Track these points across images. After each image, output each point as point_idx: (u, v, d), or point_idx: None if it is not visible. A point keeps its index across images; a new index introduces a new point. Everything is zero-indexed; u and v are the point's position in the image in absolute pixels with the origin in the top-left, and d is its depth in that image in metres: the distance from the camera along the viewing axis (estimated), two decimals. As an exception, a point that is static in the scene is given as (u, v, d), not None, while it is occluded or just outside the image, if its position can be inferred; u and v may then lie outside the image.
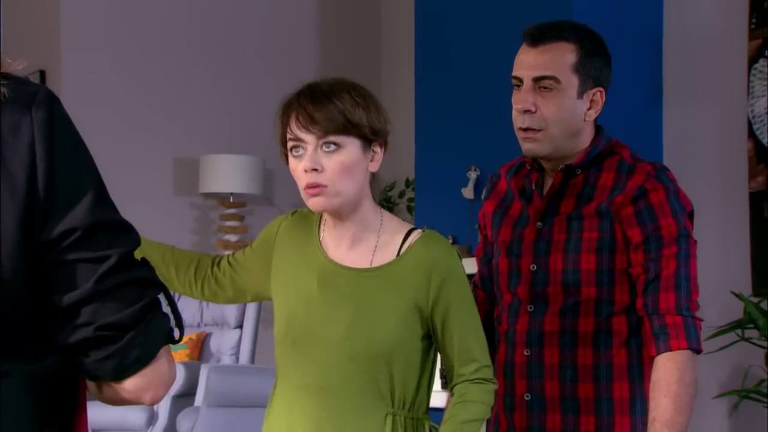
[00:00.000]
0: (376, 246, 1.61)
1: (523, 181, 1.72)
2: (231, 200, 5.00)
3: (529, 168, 1.72)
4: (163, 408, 3.90)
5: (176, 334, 0.99)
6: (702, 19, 3.90)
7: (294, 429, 1.60)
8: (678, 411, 1.57)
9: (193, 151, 5.00)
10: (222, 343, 4.38)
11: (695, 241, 1.65)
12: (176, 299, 4.70)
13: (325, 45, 5.46)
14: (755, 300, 3.43)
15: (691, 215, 1.67)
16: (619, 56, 4.04)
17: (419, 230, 1.66)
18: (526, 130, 1.65)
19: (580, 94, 1.66)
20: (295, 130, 1.64)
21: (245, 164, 4.91)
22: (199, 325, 4.46)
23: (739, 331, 3.32)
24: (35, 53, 4.97)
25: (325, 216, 1.66)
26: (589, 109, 1.67)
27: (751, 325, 3.30)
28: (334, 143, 1.60)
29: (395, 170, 5.33)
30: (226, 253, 5.18)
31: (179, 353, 4.24)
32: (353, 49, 5.51)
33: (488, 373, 1.58)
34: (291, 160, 1.65)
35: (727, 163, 3.78)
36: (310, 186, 1.59)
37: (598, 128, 1.71)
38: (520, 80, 1.67)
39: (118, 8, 4.91)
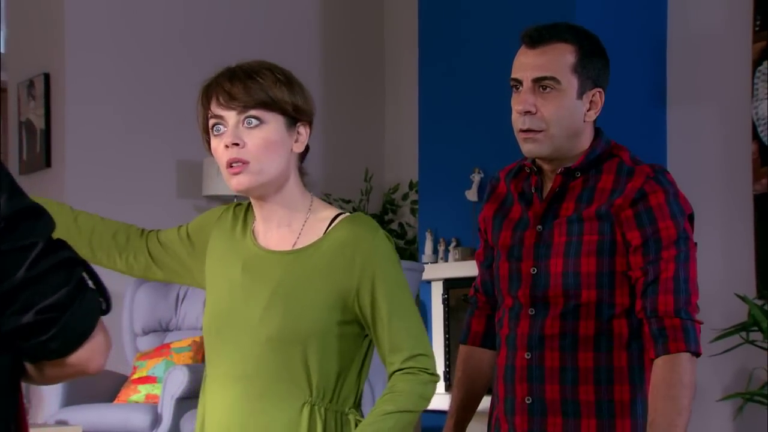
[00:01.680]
0: (302, 228, 1.57)
1: (523, 184, 1.72)
2: (236, 202, 4.99)
3: (528, 171, 1.72)
4: (167, 410, 3.90)
5: (103, 305, 1.06)
6: (706, 20, 3.90)
7: (207, 418, 1.57)
8: (677, 413, 1.56)
9: (197, 154, 5.00)
10: (225, 345, 4.39)
11: (695, 244, 1.65)
12: (181, 299, 4.63)
13: (328, 48, 5.47)
14: (759, 302, 3.42)
15: (691, 218, 1.66)
16: (623, 57, 4.06)
17: (348, 213, 1.61)
18: (526, 131, 1.65)
19: (580, 95, 1.66)
20: (215, 108, 1.60)
21: (249, 167, 4.91)
22: (202, 328, 4.47)
23: (743, 334, 3.32)
24: (40, 56, 4.98)
25: (254, 202, 1.62)
26: (588, 110, 1.67)
27: (756, 328, 3.29)
28: (256, 118, 1.57)
29: (398, 173, 5.34)
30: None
31: (183, 356, 4.24)
32: (356, 52, 5.51)
33: (423, 362, 1.50)
34: (213, 140, 1.60)
35: (731, 166, 3.77)
36: (232, 163, 1.55)
37: (597, 130, 1.71)
38: (520, 82, 1.68)
39: (121, 12, 4.91)
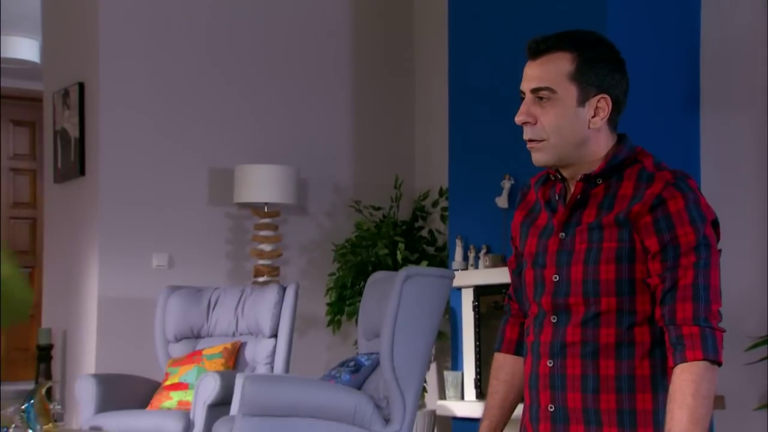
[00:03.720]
0: None
1: (549, 191, 1.72)
2: (265, 210, 5.02)
3: (553, 179, 1.72)
4: (199, 416, 3.92)
5: None
6: (740, 26, 3.86)
7: None
8: (693, 423, 1.54)
9: (228, 162, 5.03)
10: (257, 352, 4.40)
11: (719, 251, 1.62)
12: (212, 306, 4.67)
13: (359, 55, 5.48)
14: (796, 310, 3.37)
15: (714, 224, 1.64)
16: (656, 64, 4.02)
17: None
18: (529, 141, 1.68)
19: (581, 102, 1.64)
20: None
21: (279, 174, 4.94)
22: (234, 335, 4.49)
23: (779, 342, 3.27)
24: (75, 66, 5.04)
25: None
26: (593, 116, 1.65)
27: (792, 336, 3.24)
28: None
29: (428, 180, 5.33)
30: (261, 262, 5.18)
31: (215, 362, 4.26)
32: (387, 59, 5.52)
33: None
34: None
35: (765, 172, 3.73)
36: None
37: (622, 136, 1.69)
38: (523, 93, 1.71)
39: (153, 22, 4.96)
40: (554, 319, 1.66)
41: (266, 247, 5.00)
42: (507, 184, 4.28)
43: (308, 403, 3.60)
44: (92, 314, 4.77)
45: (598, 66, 1.65)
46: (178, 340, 4.50)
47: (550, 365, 1.66)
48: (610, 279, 1.62)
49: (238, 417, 3.57)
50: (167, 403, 4.16)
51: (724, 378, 3.81)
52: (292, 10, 5.29)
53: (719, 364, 1.58)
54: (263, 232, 5.01)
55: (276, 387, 3.62)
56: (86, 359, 4.79)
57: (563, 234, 1.67)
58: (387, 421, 3.62)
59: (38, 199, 6.88)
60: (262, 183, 4.89)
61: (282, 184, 4.93)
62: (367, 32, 5.49)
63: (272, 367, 4.36)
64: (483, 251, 4.37)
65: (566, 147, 1.65)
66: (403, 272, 3.71)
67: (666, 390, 1.62)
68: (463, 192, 4.57)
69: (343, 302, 4.97)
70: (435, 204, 5.17)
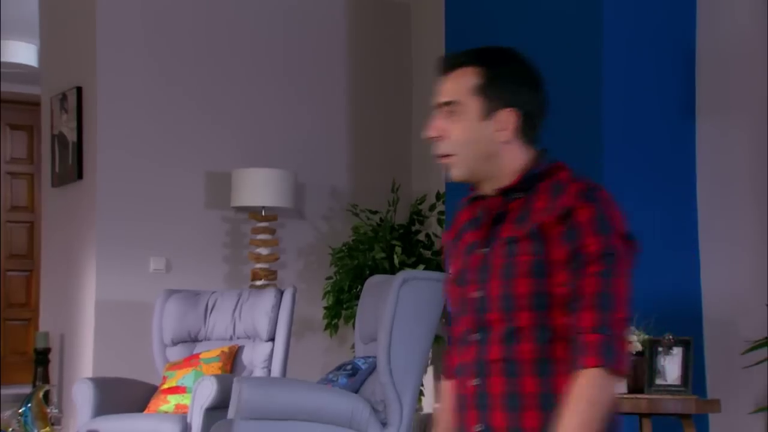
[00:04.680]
0: None
1: (477, 209, 1.71)
2: (262, 213, 5.03)
3: (477, 196, 1.71)
4: (196, 420, 3.92)
5: None
6: (735, 31, 3.88)
7: None
8: (581, 428, 1.53)
9: (225, 165, 5.04)
10: (254, 356, 4.40)
11: (630, 261, 1.61)
12: (210, 310, 4.67)
13: (356, 59, 5.49)
14: (791, 314, 3.38)
15: (626, 236, 1.62)
16: (651, 69, 4.03)
17: None
18: (441, 156, 1.68)
19: (487, 116, 1.65)
20: None
21: (276, 178, 4.94)
22: (231, 338, 4.49)
23: (774, 346, 3.28)
24: (73, 70, 5.05)
25: None
26: (500, 130, 1.65)
27: (787, 340, 3.25)
28: None
29: (425, 184, 5.34)
30: (258, 266, 5.18)
31: (212, 366, 4.27)
32: (383, 63, 5.53)
33: None
34: None
35: (761, 177, 3.74)
36: None
37: (542, 151, 1.70)
38: (435, 108, 1.74)
39: (151, 27, 4.97)
40: (477, 336, 1.65)
41: (264, 251, 5.00)
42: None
43: (305, 406, 3.60)
44: (90, 318, 4.77)
45: (505, 81, 1.66)
46: (175, 343, 4.50)
47: (476, 384, 1.65)
48: (525, 293, 1.60)
49: (235, 420, 3.57)
50: (164, 407, 4.17)
51: (720, 381, 3.82)
52: (288, 16, 5.30)
53: (620, 373, 1.57)
54: (261, 236, 5.02)
55: (273, 390, 3.62)
56: (84, 363, 4.79)
57: (485, 249, 1.66)
58: (384, 424, 3.63)
59: (36, 203, 6.89)
60: (259, 187, 4.90)
61: (279, 188, 4.93)
62: (364, 36, 5.50)
63: (269, 371, 4.36)
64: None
65: (475, 161, 1.65)
66: (400, 276, 3.72)
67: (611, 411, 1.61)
68: (460, 196, 4.57)
69: (340, 306, 4.98)
70: (432, 208, 5.18)
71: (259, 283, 4.92)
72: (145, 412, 4.19)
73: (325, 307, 5.04)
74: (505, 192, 1.67)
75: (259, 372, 4.34)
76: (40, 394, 3.50)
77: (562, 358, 1.61)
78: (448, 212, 4.67)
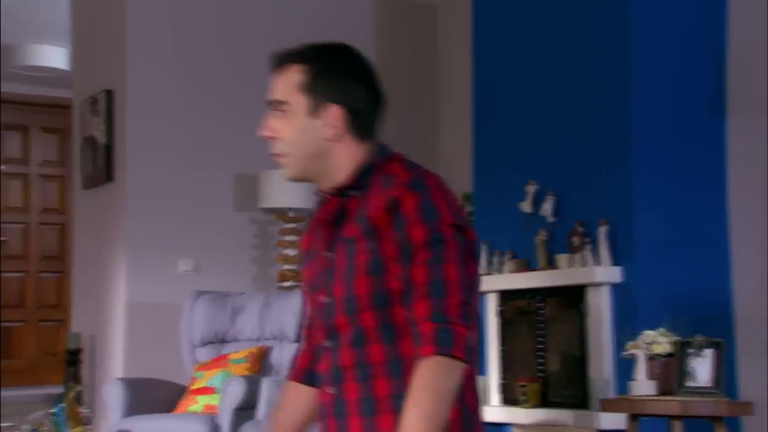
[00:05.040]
0: None
1: (324, 211, 1.67)
2: (290, 215, 5.05)
3: (323, 197, 1.67)
4: (225, 420, 3.94)
5: None
6: (765, 30, 3.83)
7: None
8: (424, 419, 1.47)
9: (253, 168, 5.07)
10: (282, 356, 4.42)
11: (461, 247, 1.52)
12: (238, 311, 4.67)
13: (382, 60, 5.50)
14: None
15: (456, 224, 1.54)
16: (681, 68, 4.00)
17: None
18: (275, 156, 1.65)
19: (312, 114, 1.61)
20: None
21: (304, 180, 4.96)
22: (259, 339, 4.51)
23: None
24: (103, 74, 5.10)
25: None
26: (327, 127, 1.61)
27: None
28: None
29: (451, 184, 5.33)
30: (286, 267, 5.19)
31: (240, 367, 4.29)
32: (410, 66, 5.53)
33: None
34: None
35: (793, 176, 3.69)
36: None
37: (379, 145, 1.65)
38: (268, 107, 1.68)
39: (181, 30, 5.01)
40: (330, 344, 1.61)
41: (291, 252, 5.02)
42: (531, 189, 4.28)
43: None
44: (120, 319, 4.81)
45: (329, 77, 1.62)
46: (204, 344, 4.53)
47: (333, 392, 1.60)
48: (366, 293, 1.55)
49: (264, 421, 3.59)
50: (194, 407, 4.19)
51: (752, 383, 3.77)
52: (314, 18, 5.32)
53: (461, 359, 1.49)
54: (288, 237, 5.04)
55: (301, 391, 3.63)
56: (114, 363, 4.83)
57: (330, 253, 1.61)
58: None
59: (67, 205, 6.96)
60: (286, 188, 4.92)
61: (306, 190, 4.95)
62: (390, 38, 5.50)
63: (297, 372, 4.37)
64: (507, 256, 4.37)
65: (305, 160, 1.62)
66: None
67: (462, 404, 1.56)
68: (487, 197, 4.57)
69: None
70: (459, 209, 5.17)
71: (286, 284, 4.94)
72: (174, 412, 4.22)
73: (353, 309, 5.04)
74: (341, 191, 1.62)
75: (286, 373, 4.36)
76: (72, 395, 3.54)
77: (410, 357, 1.55)
78: (476, 213, 4.66)
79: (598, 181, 4.01)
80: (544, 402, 4.07)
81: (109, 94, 4.97)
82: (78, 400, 3.94)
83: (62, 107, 6.56)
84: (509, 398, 4.28)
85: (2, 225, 7.03)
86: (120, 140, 4.92)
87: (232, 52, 5.12)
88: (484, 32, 4.68)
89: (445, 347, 1.49)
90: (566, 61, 4.19)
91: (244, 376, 4.05)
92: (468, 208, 5.09)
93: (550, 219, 4.18)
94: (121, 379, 4.31)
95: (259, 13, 5.21)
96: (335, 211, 1.61)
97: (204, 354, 4.50)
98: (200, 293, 4.58)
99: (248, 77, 5.15)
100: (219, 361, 4.38)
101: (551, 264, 4.14)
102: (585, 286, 3.94)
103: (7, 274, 6.96)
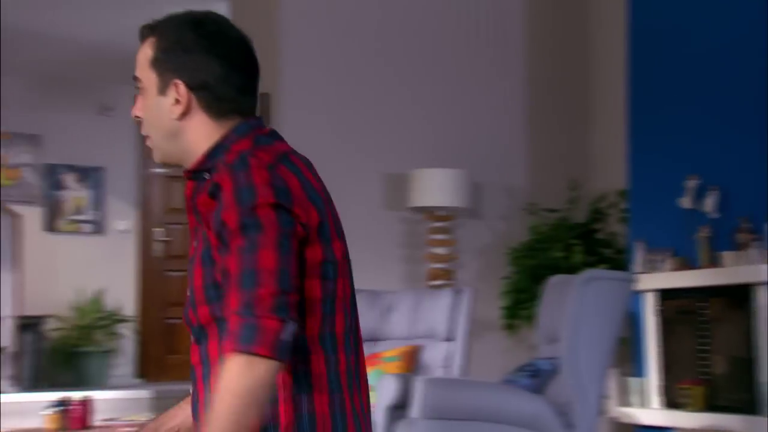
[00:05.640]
0: None
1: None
2: (439, 214, 5.05)
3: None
4: (379, 418, 3.98)
5: None
6: None
7: None
8: (217, 419, 1.34)
9: (403, 166, 5.10)
10: (434, 355, 4.42)
11: (280, 229, 1.37)
12: (389, 309, 4.67)
13: (532, 57, 5.41)
14: None
15: (279, 206, 1.38)
16: None
17: None
18: (145, 139, 1.53)
19: (162, 91, 1.47)
20: None
21: (453, 178, 4.95)
22: (409, 338, 4.53)
23: None
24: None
25: None
26: (174, 105, 1.46)
27: None
28: None
29: (605, 181, 5.19)
30: (436, 266, 5.19)
31: (393, 365, 4.32)
32: (560, 57, 5.42)
33: None
34: None
35: None
36: None
37: (241, 123, 1.48)
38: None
39: (330, 32, 5.10)
40: (192, 339, 1.50)
41: (440, 251, 5.02)
42: (691, 185, 4.11)
43: (487, 407, 3.58)
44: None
45: (174, 51, 1.47)
46: (356, 342, 4.59)
47: (192, 392, 1.50)
48: (201, 285, 1.43)
49: (418, 420, 3.60)
50: (348, 404, 4.25)
51: None
52: (464, 13, 5.29)
53: (263, 354, 1.33)
54: (437, 236, 5.04)
55: (455, 390, 3.62)
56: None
57: (195, 241, 1.49)
58: (568, 427, 3.55)
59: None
60: (436, 187, 4.92)
61: (456, 188, 4.94)
62: (540, 31, 5.41)
63: (449, 371, 4.37)
64: (667, 254, 4.21)
65: (162, 142, 1.48)
66: (582, 275, 3.63)
67: (297, 409, 1.41)
68: (644, 193, 4.42)
69: (519, 306, 4.92)
70: (613, 206, 5.03)
71: (436, 283, 4.94)
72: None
73: (503, 307, 5.00)
74: (193, 175, 1.47)
75: (438, 372, 4.36)
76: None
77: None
78: (633, 210, 4.52)
79: (765, 175, 3.81)
80: (709, 406, 3.90)
81: (265, 97, 5.11)
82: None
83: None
84: (671, 401, 4.12)
85: (167, 226, 7.38)
86: (274, 142, 5.06)
87: (381, 52, 5.16)
88: (641, 18, 4.52)
89: (245, 344, 1.33)
90: (731, 46, 4.00)
91: (397, 375, 4.07)
92: (622, 205, 4.95)
93: (713, 215, 4.00)
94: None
95: (407, 11, 5.23)
96: (190, 196, 1.49)
97: (356, 352, 4.56)
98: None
99: (396, 77, 5.18)
100: (371, 359, 4.42)
101: (714, 262, 3.96)
102: (752, 285, 3.75)
103: (172, 273, 7.29)
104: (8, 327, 5.84)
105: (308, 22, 5.05)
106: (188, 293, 1.48)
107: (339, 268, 1.44)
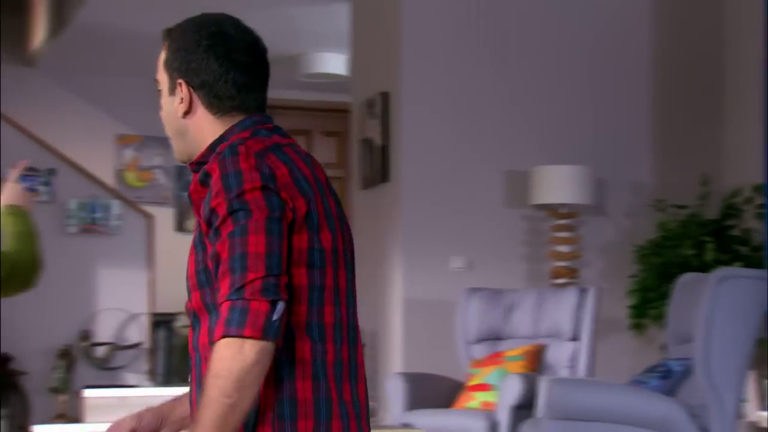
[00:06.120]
0: None
1: None
2: (562, 211, 4.96)
3: None
4: (504, 418, 3.94)
5: None
6: None
7: None
8: (204, 406, 1.37)
9: (524, 164, 5.04)
10: (558, 355, 4.35)
11: (268, 212, 1.40)
12: (512, 308, 4.63)
13: (659, 47, 5.26)
14: None
15: (267, 189, 1.41)
16: None
17: None
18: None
19: (171, 91, 1.55)
20: None
21: (575, 174, 4.86)
22: (533, 337, 4.47)
23: None
24: (379, 77, 5.29)
25: None
26: (179, 104, 1.54)
27: None
28: None
29: (739, 175, 4.98)
30: (559, 264, 5.13)
31: (516, 364, 4.27)
32: (690, 50, 5.24)
33: None
34: None
35: None
36: None
37: (241, 120, 1.53)
38: None
39: (451, 31, 5.08)
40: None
41: (564, 249, 4.93)
42: (834, 178, 3.89)
43: (615, 408, 3.49)
44: (397, 315, 4.97)
45: (178, 52, 1.54)
46: (478, 341, 4.57)
47: (189, 380, 1.52)
48: (193, 272, 1.47)
49: (543, 420, 3.55)
50: (471, 404, 4.23)
51: None
52: (587, 7, 5.18)
53: (249, 336, 1.35)
54: (561, 234, 4.96)
55: (581, 391, 3.55)
56: (393, 358, 4.99)
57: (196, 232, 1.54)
58: (702, 430, 3.43)
59: (346, 205, 7.31)
60: (558, 184, 4.85)
61: (579, 185, 4.85)
62: (669, 21, 5.25)
63: (575, 371, 4.29)
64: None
65: (175, 140, 1.57)
66: (716, 273, 3.50)
67: (279, 393, 1.41)
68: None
69: (647, 305, 4.78)
70: (748, 201, 4.82)
71: (560, 281, 4.86)
72: (452, 408, 4.28)
73: (630, 306, 4.87)
74: (196, 167, 1.53)
75: (563, 372, 4.28)
76: (359, 386, 3.69)
77: None
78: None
79: None
80: None
81: (385, 96, 5.14)
82: (363, 391, 4.11)
83: (341, 111, 6.90)
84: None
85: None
86: (395, 141, 5.08)
87: (502, 49, 5.11)
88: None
89: (235, 327, 1.36)
90: None
91: (521, 374, 4.03)
92: (758, 200, 4.73)
93: None
94: (402, 374, 4.45)
95: (528, 9, 5.16)
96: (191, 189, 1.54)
97: (479, 351, 4.53)
98: (474, 290, 4.62)
99: (517, 73, 5.12)
100: (494, 358, 4.39)
101: None
102: None
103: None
104: (143, 324, 6.08)
105: (429, 20, 5.05)
106: (186, 281, 1.53)
107: (327, 258, 1.45)
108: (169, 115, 1.57)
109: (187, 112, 1.54)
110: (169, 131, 1.58)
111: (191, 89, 1.53)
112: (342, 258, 1.48)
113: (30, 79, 7.16)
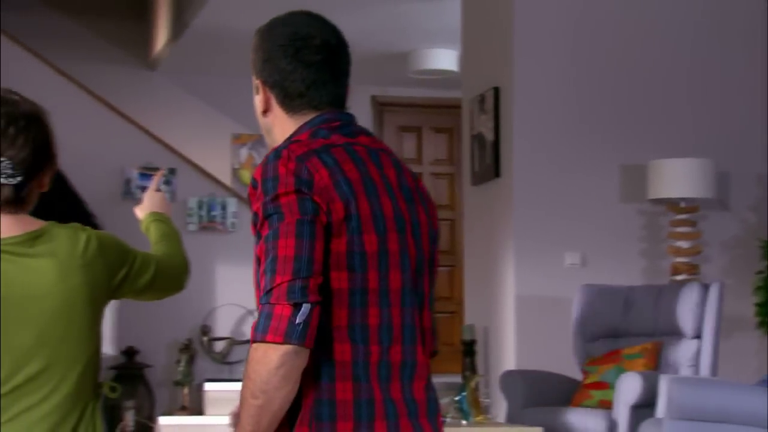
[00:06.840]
0: None
1: None
2: (681, 205, 4.81)
3: None
4: (622, 417, 3.85)
5: None
6: None
7: None
8: (243, 405, 1.43)
9: (641, 157, 4.91)
10: (679, 353, 4.23)
11: (305, 217, 1.43)
12: (629, 305, 4.50)
13: (783, 33, 5.02)
14: None
15: (300, 192, 1.44)
16: None
17: None
18: None
19: (256, 90, 1.61)
20: None
21: (695, 168, 4.70)
22: (652, 335, 4.36)
23: None
24: (491, 72, 5.25)
25: None
26: (260, 103, 1.60)
27: None
28: None
29: None
30: (678, 260, 4.98)
31: (635, 362, 4.17)
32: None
33: None
34: None
35: None
36: None
37: (313, 119, 1.56)
38: None
39: (565, 25, 4.99)
40: None
41: (684, 244, 4.78)
42: None
43: (742, 409, 3.36)
44: (510, 311, 4.92)
45: (257, 54, 1.59)
46: (595, 339, 4.48)
47: None
48: (254, 271, 1.50)
49: (665, 420, 3.45)
50: (588, 402, 4.15)
51: None
52: (699, 4, 5.02)
53: (272, 340, 1.39)
54: (680, 229, 4.81)
55: (706, 391, 3.43)
56: (506, 355, 4.95)
57: None
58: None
59: (456, 201, 7.29)
60: (677, 178, 4.70)
61: (699, 178, 4.69)
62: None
63: (697, 370, 4.15)
64: None
65: (266, 138, 1.62)
66: None
67: (318, 394, 1.44)
68: None
69: (775, 303, 4.59)
70: None
71: (679, 277, 4.71)
72: (568, 405, 4.21)
73: (757, 304, 4.68)
74: None
75: (685, 370, 4.16)
76: (473, 384, 3.68)
77: None
78: None
79: None
80: None
81: (497, 91, 5.09)
82: (477, 389, 4.09)
83: (452, 107, 6.88)
84: None
85: (431, 222, 7.55)
86: (506, 136, 5.03)
87: (618, 42, 4.99)
88: None
89: (259, 332, 1.41)
90: None
91: (640, 372, 3.93)
92: None
93: None
94: (517, 371, 4.40)
95: (643, 1, 5.03)
96: None
97: (595, 348, 4.44)
98: (589, 287, 4.53)
99: (633, 65, 5.00)
100: (611, 356, 4.30)
101: None
102: None
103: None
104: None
105: (541, 13, 4.98)
106: None
107: (369, 261, 1.46)
108: (257, 115, 1.63)
109: (266, 111, 1.59)
110: (261, 129, 1.64)
111: (267, 88, 1.58)
112: (394, 259, 1.49)
113: (151, 81, 7.43)
